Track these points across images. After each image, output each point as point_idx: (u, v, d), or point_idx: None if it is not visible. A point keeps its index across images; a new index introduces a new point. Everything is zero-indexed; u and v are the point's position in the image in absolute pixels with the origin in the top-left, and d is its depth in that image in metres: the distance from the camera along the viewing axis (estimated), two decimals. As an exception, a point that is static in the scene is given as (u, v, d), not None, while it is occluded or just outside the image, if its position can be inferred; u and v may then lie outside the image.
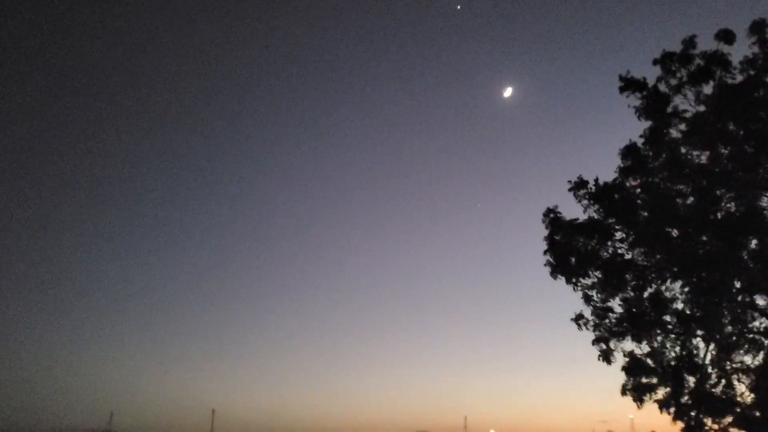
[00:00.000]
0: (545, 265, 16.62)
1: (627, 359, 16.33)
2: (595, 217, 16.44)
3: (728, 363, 15.61)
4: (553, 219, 16.69)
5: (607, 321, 16.77)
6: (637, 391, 16.31)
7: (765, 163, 15.13)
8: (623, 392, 16.48)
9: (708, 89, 15.94)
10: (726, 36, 15.89)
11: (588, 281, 16.39)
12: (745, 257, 14.88)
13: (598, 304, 16.76)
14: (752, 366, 15.51)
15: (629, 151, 16.35)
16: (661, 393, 16.12)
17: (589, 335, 16.81)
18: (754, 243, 14.96)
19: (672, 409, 15.71)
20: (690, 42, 16.35)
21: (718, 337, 15.41)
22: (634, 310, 15.99)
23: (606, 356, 16.56)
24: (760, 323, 15.48)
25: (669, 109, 16.25)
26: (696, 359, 15.51)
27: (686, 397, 15.54)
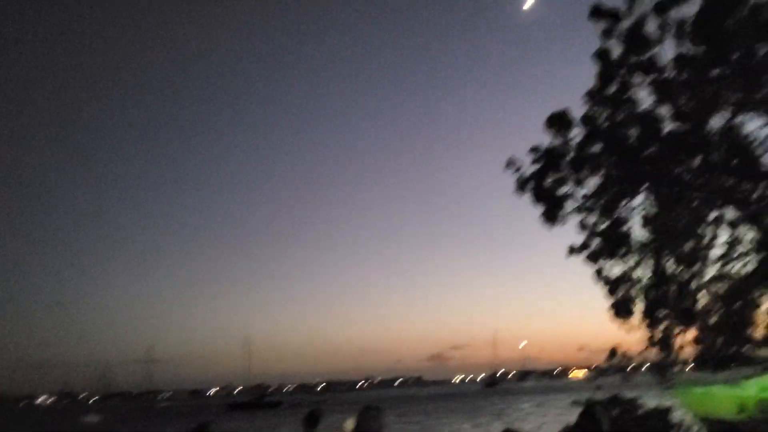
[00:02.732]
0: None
1: (602, 279, 17.64)
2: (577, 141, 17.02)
3: (689, 277, 16.92)
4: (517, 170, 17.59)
5: (591, 245, 17.94)
6: (618, 310, 17.51)
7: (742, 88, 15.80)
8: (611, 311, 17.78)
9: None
10: None
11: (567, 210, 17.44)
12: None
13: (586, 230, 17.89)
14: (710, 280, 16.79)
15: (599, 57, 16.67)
16: (638, 310, 17.35)
17: None
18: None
19: (648, 325, 17.17)
20: None
21: (680, 253, 16.70)
22: (605, 230, 17.08)
23: (598, 276, 17.69)
24: (715, 238, 16.73)
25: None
26: (666, 275, 16.82)
27: (659, 312, 16.94)
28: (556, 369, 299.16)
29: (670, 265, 17.00)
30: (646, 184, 16.23)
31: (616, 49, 16.55)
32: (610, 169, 16.56)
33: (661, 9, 15.89)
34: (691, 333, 17.32)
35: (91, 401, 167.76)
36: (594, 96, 16.85)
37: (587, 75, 17.15)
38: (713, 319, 16.94)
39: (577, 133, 17.12)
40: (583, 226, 17.48)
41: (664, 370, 18.16)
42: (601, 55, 16.65)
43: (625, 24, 16.31)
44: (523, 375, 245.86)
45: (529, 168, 17.54)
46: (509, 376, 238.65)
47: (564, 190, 17.18)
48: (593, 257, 17.52)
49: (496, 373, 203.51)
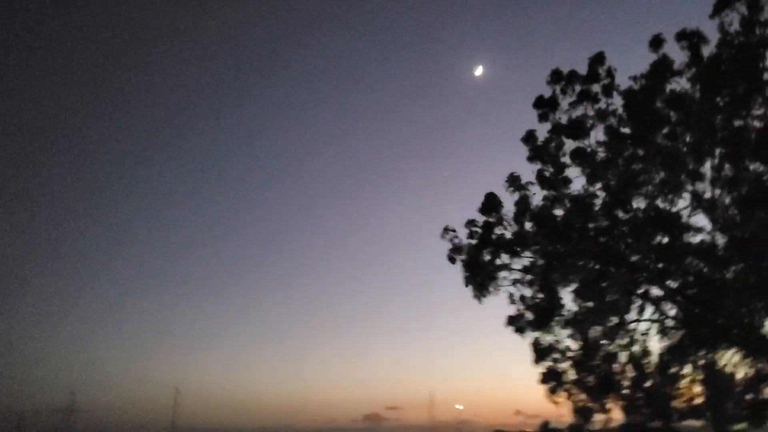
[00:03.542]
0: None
1: (533, 349, 17.89)
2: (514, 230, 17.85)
3: (616, 350, 17.41)
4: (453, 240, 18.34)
5: (524, 317, 18.34)
6: (546, 379, 17.81)
7: (667, 169, 16.68)
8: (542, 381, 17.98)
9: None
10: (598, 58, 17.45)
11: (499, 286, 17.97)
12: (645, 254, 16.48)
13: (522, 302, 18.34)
14: (634, 352, 17.36)
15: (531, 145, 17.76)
16: (568, 379, 17.74)
17: None
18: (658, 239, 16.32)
19: (577, 393, 17.47)
20: (596, 59, 17.52)
21: (603, 327, 17.21)
22: (538, 302, 17.58)
23: (534, 345, 18.13)
24: (642, 313, 17.35)
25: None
26: (594, 347, 17.21)
27: (587, 382, 17.26)
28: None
29: (598, 337, 17.42)
30: (577, 260, 16.80)
31: (551, 132, 17.64)
32: (543, 244, 17.15)
33: (589, 97, 17.03)
34: (619, 403, 17.68)
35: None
36: (516, 180, 17.67)
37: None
38: (639, 393, 17.30)
39: (510, 211, 17.83)
40: (520, 298, 17.95)
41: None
42: (528, 138, 17.58)
43: (561, 110, 17.41)
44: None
45: (464, 240, 18.09)
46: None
47: (499, 262, 17.67)
48: (525, 328, 17.90)
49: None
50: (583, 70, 17.68)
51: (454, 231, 18.28)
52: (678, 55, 16.64)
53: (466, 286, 17.71)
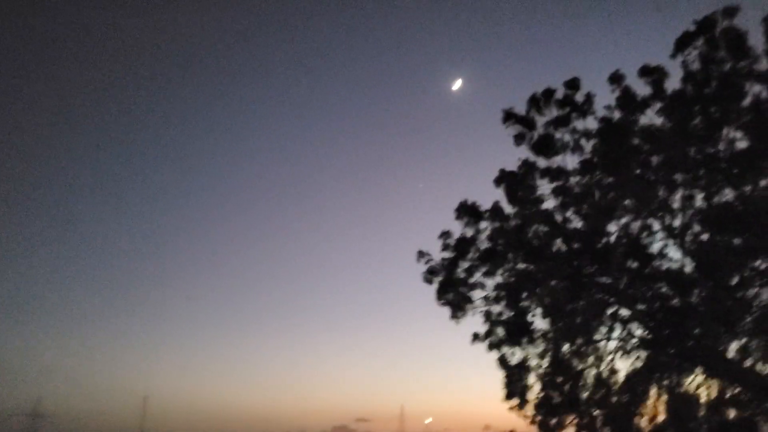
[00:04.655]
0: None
1: (499, 364, 18.18)
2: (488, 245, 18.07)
3: (584, 368, 17.75)
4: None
5: (494, 333, 18.61)
6: (510, 395, 18.03)
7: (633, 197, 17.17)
8: (506, 398, 18.26)
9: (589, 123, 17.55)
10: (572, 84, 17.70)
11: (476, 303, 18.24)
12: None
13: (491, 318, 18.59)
14: (601, 371, 17.69)
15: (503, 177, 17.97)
16: (534, 397, 17.92)
17: None
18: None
19: (542, 410, 17.74)
20: (571, 83, 17.76)
21: (577, 345, 17.53)
22: (509, 320, 17.85)
23: (502, 361, 18.32)
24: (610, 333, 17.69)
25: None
26: (563, 365, 17.54)
27: (553, 399, 17.57)
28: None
29: (567, 355, 17.71)
30: (548, 280, 17.09)
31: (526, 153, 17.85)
32: (515, 262, 17.41)
33: (564, 121, 17.28)
34: (582, 421, 17.98)
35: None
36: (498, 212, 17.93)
37: (510, 157, 18.08)
38: (603, 411, 17.58)
39: (487, 226, 18.00)
40: (488, 315, 18.15)
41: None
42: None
43: (536, 130, 17.59)
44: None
45: (438, 256, 18.28)
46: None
47: (473, 279, 17.88)
48: (495, 346, 18.12)
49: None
50: (559, 88, 17.97)
51: (429, 255, 18.46)
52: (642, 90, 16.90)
53: (440, 302, 17.90)
